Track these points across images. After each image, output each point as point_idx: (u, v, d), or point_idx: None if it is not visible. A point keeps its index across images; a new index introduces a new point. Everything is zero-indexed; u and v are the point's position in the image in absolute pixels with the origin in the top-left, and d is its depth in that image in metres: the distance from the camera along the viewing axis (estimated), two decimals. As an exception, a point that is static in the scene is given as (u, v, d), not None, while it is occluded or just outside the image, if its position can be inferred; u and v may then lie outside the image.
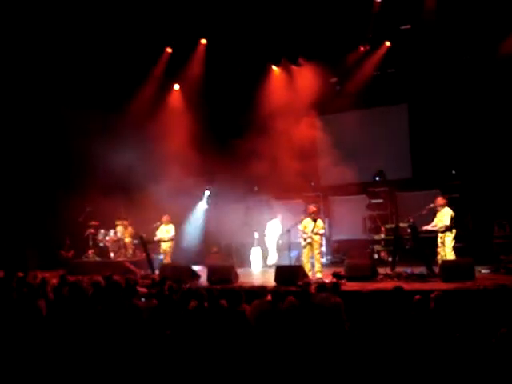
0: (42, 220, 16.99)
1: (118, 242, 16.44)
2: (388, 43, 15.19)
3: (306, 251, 13.08)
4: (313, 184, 16.98)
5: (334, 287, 8.43)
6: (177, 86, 17.69)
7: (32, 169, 16.86)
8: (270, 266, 15.19)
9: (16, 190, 16.65)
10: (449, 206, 12.46)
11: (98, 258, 16.29)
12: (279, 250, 15.58)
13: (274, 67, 16.73)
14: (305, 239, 12.99)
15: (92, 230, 16.61)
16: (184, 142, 15.91)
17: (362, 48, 15.40)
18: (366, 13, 14.10)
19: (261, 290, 8.51)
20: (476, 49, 14.53)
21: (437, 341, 5.82)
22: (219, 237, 16.69)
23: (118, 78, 16.01)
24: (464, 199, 14.49)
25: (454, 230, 12.23)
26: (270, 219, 15.87)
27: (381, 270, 12.71)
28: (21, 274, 10.05)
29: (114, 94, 16.01)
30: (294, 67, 16.41)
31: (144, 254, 15.04)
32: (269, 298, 8.20)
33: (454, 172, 14.94)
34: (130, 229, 16.50)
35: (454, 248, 12.39)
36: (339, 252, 16.22)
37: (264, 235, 15.84)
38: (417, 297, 7.24)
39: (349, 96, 15.67)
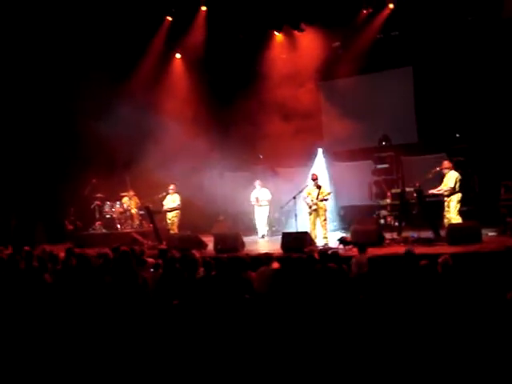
0: (48, 194, 17.00)
1: (125, 213, 16.45)
2: (391, 5, 14.92)
3: (311, 218, 13.12)
4: (321, 150, 16.77)
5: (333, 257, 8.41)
6: (178, 55, 17.53)
7: (39, 144, 16.83)
8: (263, 236, 15.27)
9: (21, 167, 16.65)
10: (455, 170, 12.44)
11: (105, 230, 16.33)
12: (284, 217, 15.64)
13: (276, 33, 16.52)
14: (310, 206, 13.00)
15: (98, 202, 16.64)
16: (187, 112, 15.86)
17: (364, 11, 15.14)
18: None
19: (266, 257, 8.54)
20: (481, 9, 14.27)
21: (445, 305, 5.82)
22: (225, 205, 16.66)
23: (120, 49, 15.88)
24: (470, 162, 14.38)
25: (459, 194, 12.21)
26: (254, 188, 15.68)
27: (387, 235, 12.74)
28: (27, 248, 10.05)
29: (116, 66, 15.86)
30: (296, 33, 16.19)
31: (151, 225, 15.08)
32: (275, 265, 8.23)
33: (458, 135, 14.74)
34: (136, 200, 16.49)
35: (461, 211, 12.39)
36: (345, 218, 16.18)
37: (251, 204, 15.65)
38: (423, 261, 7.24)
39: (352, 60, 15.46)
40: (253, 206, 15.59)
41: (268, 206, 15.53)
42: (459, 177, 12.32)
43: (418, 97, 16.07)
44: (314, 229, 13.12)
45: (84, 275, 7.63)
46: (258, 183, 15.51)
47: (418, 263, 7.28)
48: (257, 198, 15.41)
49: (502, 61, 14.01)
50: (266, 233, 15.58)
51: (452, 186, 12.20)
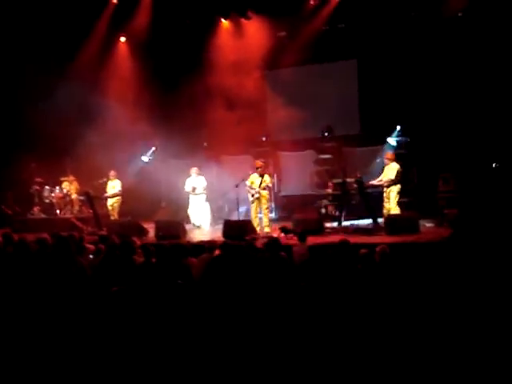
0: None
1: (65, 198, 16.10)
2: (338, -3, 15.07)
3: (254, 206, 13.17)
4: (264, 139, 16.87)
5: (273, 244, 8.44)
6: (123, 39, 17.25)
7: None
8: (199, 227, 14.84)
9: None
10: (396, 162, 12.70)
11: (43, 215, 15.98)
12: (227, 205, 15.58)
13: (223, 20, 16.45)
14: (252, 195, 13.05)
15: (37, 187, 16.26)
16: (131, 97, 15.69)
17: (311, 2, 15.24)
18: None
19: (210, 245, 8.53)
20: (424, 6, 14.57)
21: (382, 293, 5.95)
22: (167, 192, 16.53)
23: (64, 32, 15.47)
24: (410, 155, 14.69)
25: (398, 185, 12.48)
26: (188, 176, 15.05)
27: (328, 225, 12.93)
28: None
29: (59, 49, 15.50)
30: (243, 20, 16.17)
31: (91, 211, 14.84)
32: (217, 252, 8.22)
33: (398, 128, 15.01)
34: (76, 185, 16.19)
35: (400, 203, 12.67)
36: (287, 207, 16.31)
37: (187, 192, 15.05)
38: (363, 250, 7.38)
39: (298, 51, 15.52)
40: (187, 194, 15.00)
41: (204, 195, 15.00)
42: (400, 169, 12.59)
43: (361, 89, 16.33)
44: (256, 217, 13.19)
45: (21, 260, 7.47)
46: (194, 171, 14.92)
47: (354, 253, 7.41)
48: (193, 187, 14.91)
49: (443, 57, 14.33)
50: (209, 221, 15.17)
51: (392, 177, 12.46)
